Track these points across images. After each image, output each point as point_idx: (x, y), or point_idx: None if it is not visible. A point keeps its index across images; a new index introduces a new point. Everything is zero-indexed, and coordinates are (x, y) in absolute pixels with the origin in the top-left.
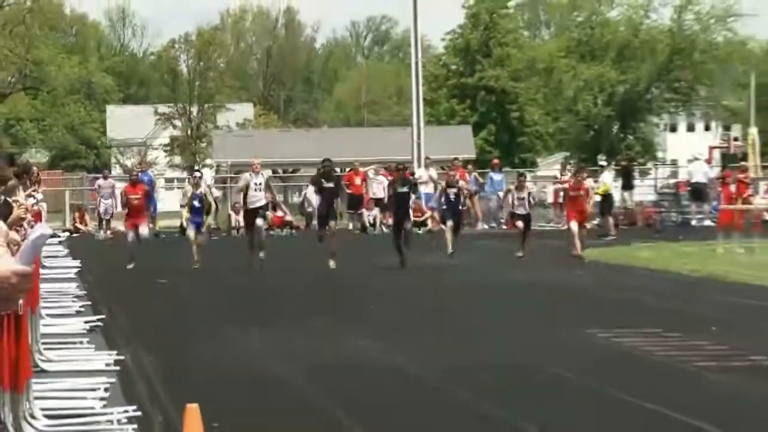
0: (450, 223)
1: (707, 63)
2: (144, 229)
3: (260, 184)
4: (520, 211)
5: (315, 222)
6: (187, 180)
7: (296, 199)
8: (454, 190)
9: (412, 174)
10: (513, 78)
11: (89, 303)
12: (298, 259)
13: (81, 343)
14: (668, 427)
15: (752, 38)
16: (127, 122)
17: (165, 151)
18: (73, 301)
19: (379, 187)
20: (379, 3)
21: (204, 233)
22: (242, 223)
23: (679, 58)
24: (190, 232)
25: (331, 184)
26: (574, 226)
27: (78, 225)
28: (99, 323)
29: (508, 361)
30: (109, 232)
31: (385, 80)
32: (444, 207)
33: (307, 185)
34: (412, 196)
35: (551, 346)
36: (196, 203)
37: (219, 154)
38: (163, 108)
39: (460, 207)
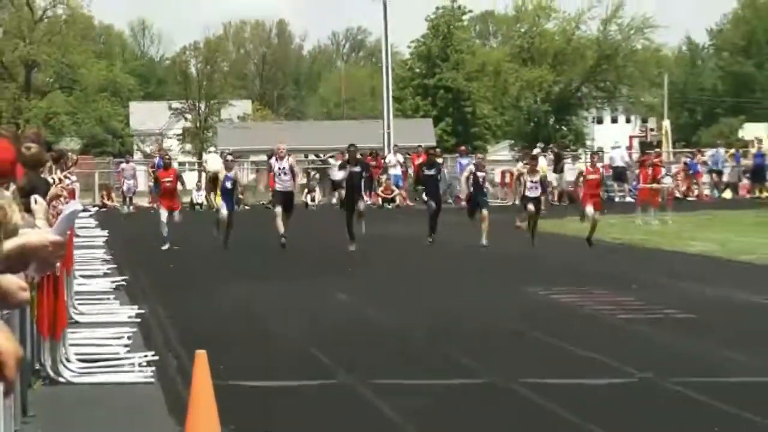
0: (485, 211)
1: (628, 66)
2: (178, 215)
3: (284, 168)
4: (533, 194)
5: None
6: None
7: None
8: (482, 174)
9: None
10: (467, 79)
11: (115, 266)
12: (304, 233)
13: (108, 299)
14: (596, 368)
15: (665, 45)
16: (146, 116)
17: (178, 139)
18: (101, 264)
19: (334, 171)
20: (355, 16)
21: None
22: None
23: (604, 63)
24: (223, 210)
25: (356, 168)
26: (590, 210)
27: (105, 201)
28: (123, 283)
29: (465, 315)
30: (132, 207)
31: (360, 81)
32: (472, 190)
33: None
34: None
35: (501, 303)
36: (228, 185)
37: (222, 143)
38: (176, 104)
39: (485, 190)
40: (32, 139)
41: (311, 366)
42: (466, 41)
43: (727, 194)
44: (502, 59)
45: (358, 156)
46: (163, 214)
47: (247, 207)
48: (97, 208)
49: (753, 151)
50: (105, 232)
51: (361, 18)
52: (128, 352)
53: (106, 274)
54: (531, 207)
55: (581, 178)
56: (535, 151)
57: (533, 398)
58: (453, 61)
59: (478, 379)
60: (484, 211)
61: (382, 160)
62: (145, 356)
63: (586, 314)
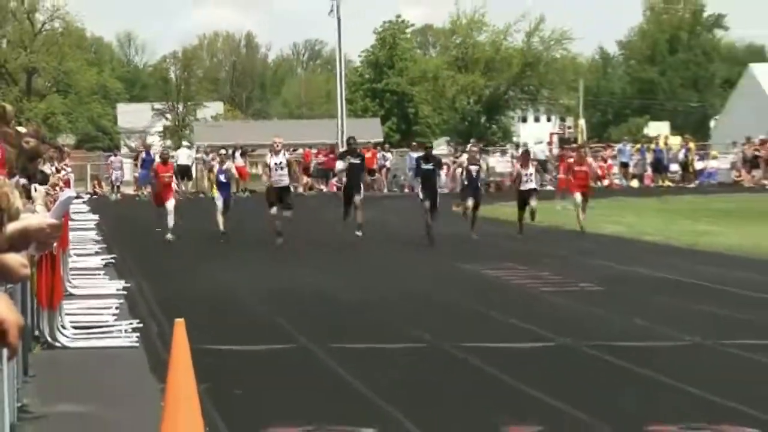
0: (471, 201)
1: (549, 73)
2: (171, 203)
3: (281, 163)
4: (528, 186)
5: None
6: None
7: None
8: (476, 167)
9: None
10: (409, 84)
11: (104, 245)
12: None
13: (98, 274)
14: (520, 334)
15: (580, 55)
16: (132, 115)
17: (160, 136)
18: (93, 244)
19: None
20: (313, 29)
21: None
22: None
23: (528, 70)
24: (219, 203)
25: (356, 160)
26: (578, 197)
27: (96, 189)
28: (111, 260)
29: (410, 289)
30: (119, 194)
31: (317, 86)
32: (465, 183)
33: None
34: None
35: (441, 278)
36: (222, 178)
37: (198, 139)
38: (157, 105)
39: (479, 184)
40: (32, 135)
41: (277, 333)
42: (409, 51)
43: (634, 183)
44: (440, 66)
45: (358, 149)
46: (170, 203)
47: (246, 194)
48: (89, 196)
49: (652, 146)
50: (96, 216)
51: (318, 31)
52: (116, 320)
53: (96, 253)
54: (470, 202)
55: (570, 171)
56: (469, 146)
57: (469, 359)
58: (398, 68)
59: (421, 344)
60: (471, 202)
61: (335, 156)
62: (131, 324)
63: (512, 287)
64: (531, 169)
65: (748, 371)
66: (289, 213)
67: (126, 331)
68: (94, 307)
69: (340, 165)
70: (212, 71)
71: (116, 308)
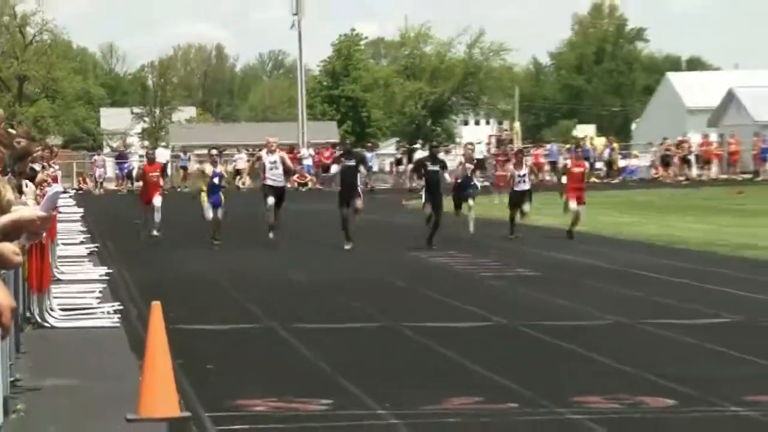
0: (471, 202)
1: (488, 81)
2: (158, 200)
3: (275, 162)
4: (521, 187)
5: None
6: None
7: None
8: (471, 166)
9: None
10: (363, 90)
11: (89, 236)
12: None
13: (83, 261)
14: (463, 314)
15: (516, 64)
16: (113, 119)
17: (139, 137)
18: (78, 234)
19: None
20: (277, 42)
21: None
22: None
23: (470, 78)
24: (209, 213)
25: (351, 162)
26: (573, 205)
27: (81, 185)
28: (95, 249)
29: (364, 274)
30: (102, 189)
31: (281, 92)
32: (459, 182)
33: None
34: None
35: (392, 264)
36: (215, 180)
37: (173, 140)
38: (137, 109)
39: (473, 182)
40: (23, 135)
41: (244, 314)
42: (363, 61)
43: (564, 180)
44: (390, 75)
45: (354, 149)
46: (158, 200)
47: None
48: (74, 191)
49: (580, 146)
50: (81, 210)
51: (281, 43)
52: (99, 303)
53: (81, 242)
54: (527, 207)
55: (565, 171)
56: (416, 146)
57: (416, 337)
58: (352, 77)
59: (374, 323)
60: (471, 202)
61: (298, 153)
62: (112, 306)
63: (455, 273)
64: (524, 170)
65: (665, 348)
66: (279, 210)
67: (108, 312)
68: (80, 291)
69: (333, 169)
70: (186, 79)
71: (99, 292)
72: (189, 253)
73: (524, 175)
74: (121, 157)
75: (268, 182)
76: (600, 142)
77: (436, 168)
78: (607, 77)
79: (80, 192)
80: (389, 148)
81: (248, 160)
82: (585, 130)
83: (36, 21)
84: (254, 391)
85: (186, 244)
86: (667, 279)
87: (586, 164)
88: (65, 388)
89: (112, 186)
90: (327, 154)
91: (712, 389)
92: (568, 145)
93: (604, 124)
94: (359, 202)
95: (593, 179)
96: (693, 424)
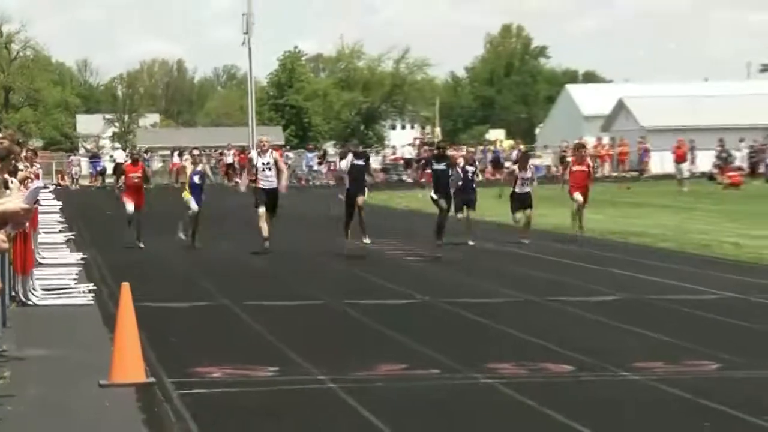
0: (471, 212)
1: (412, 91)
2: (141, 210)
3: (268, 163)
4: (522, 190)
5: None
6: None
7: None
8: (473, 168)
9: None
10: (305, 99)
11: (66, 225)
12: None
13: (62, 247)
14: (391, 293)
15: (437, 77)
16: (88, 124)
17: (110, 140)
18: (57, 224)
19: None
20: (230, 57)
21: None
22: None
23: (397, 89)
24: (194, 206)
25: (360, 161)
26: (578, 196)
27: (59, 181)
28: (72, 236)
29: (308, 259)
30: (77, 185)
31: (233, 101)
32: (460, 184)
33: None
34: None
35: (330, 251)
36: (196, 179)
37: (140, 142)
38: (108, 116)
39: (475, 186)
40: (8, 138)
41: (203, 293)
42: (304, 74)
43: (478, 177)
44: (328, 86)
45: (361, 148)
46: (129, 206)
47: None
48: (54, 186)
49: (492, 148)
50: (59, 203)
51: (233, 58)
52: (76, 283)
53: (60, 231)
54: (528, 212)
55: (567, 171)
56: (465, 147)
57: (351, 312)
58: (295, 88)
59: (316, 301)
60: (471, 213)
61: (248, 154)
62: (87, 286)
63: (385, 257)
64: (528, 173)
65: (567, 321)
66: (272, 215)
67: (83, 292)
68: (58, 273)
69: (342, 164)
70: (151, 89)
71: (76, 274)
72: (156, 241)
73: (528, 178)
74: (94, 157)
75: (262, 184)
76: (508, 144)
77: (442, 166)
78: (514, 88)
79: (59, 188)
80: (329, 148)
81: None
82: (496, 134)
83: (20, 38)
84: (210, 360)
85: (153, 233)
86: (570, 263)
87: (590, 163)
88: (46, 357)
89: (86, 182)
90: (276, 154)
91: (605, 357)
92: (481, 147)
93: (512, 128)
94: (361, 200)
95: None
96: (589, 387)
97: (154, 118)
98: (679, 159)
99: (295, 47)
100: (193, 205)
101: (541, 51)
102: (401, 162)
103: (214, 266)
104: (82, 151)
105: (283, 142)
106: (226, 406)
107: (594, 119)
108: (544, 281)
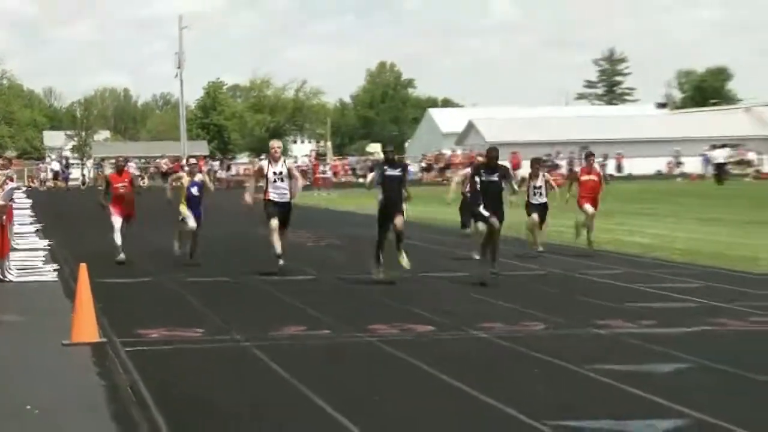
0: (481, 226)
1: (309, 114)
2: (132, 224)
3: (281, 173)
4: (536, 200)
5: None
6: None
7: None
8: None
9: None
10: (225, 119)
11: (36, 218)
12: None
13: (33, 235)
14: (296, 270)
15: (328, 102)
16: (52, 139)
17: (70, 151)
18: (29, 218)
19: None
20: (166, 86)
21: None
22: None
23: (297, 111)
24: (191, 222)
25: (396, 172)
26: (589, 208)
27: (30, 184)
28: (40, 227)
29: (231, 246)
30: (45, 187)
31: (168, 120)
32: (470, 197)
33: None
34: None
35: (252, 239)
36: (194, 191)
37: (95, 153)
38: (69, 132)
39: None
40: None
41: (147, 273)
42: (224, 100)
43: (360, 180)
44: (244, 109)
45: (397, 157)
46: (117, 222)
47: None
48: (26, 188)
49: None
50: (30, 200)
51: (169, 87)
52: (44, 264)
53: (31, 223)
54: (536, 216)
55: (575, 181)
56: (476, 154)
57: (263, 287)
58: (218, 110)
59: (234, 278)
60: (480, 226)
61: (181, 162)
62: (53, 267)
63: (293, 242)
64: (540, 182)
65: (433, 291)
66: (284, 230)
67: (50, 271)
68: (30, 257)
69: (369, 178)
70: (103, 111)
71: (44, 257)
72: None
73: (540, 187)
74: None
75: (272, 197)
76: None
77: (494, 178)
78: (389, 111)
79: (30, 189)
80: (243, 159)
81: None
82: (374, 147)
83: None
84: (150, 324)
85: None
86: (437, 248)
87: (600, 172)
88: (19, 322)
89: (51, 184)
90: (201, 162)
91: (459, 319)
92: (363, 157)
93: (387, 142)
94: (399, 221)
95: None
96: (446, 343)
97: (106, 134)
98: (515, 167)
99: (218, 78)
100: (191, 222)
101: (409, 82)
102: (301, 168)
103: (157, 253)
104: (47, 159)
105: (207, 153)
106: (163, 360)
107: (450, 136)
108: (419, 261)
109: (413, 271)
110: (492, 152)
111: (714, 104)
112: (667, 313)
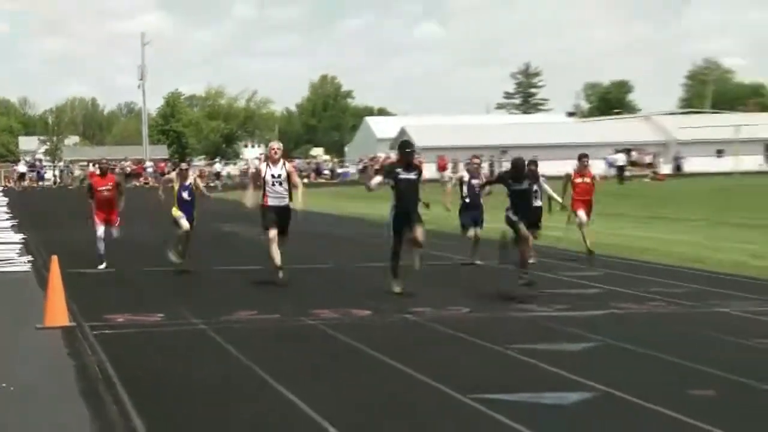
0: (479, 230)
1: (259, 121)
2: (116, 230)
3: (279, 176)
4: (534, 203)
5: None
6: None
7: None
8: (478, 182)
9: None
10: (183, 126)
11: (11, 214)
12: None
13: (8, 230)
14: (254, 262)
15: (277, 111)
16: (27, 143)
17: (43, 154)
18: (5, 214)
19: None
20: (130, 95)
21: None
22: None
23: (248, 119)
24: (184, 223)
25: (412, 175)
26: (582, 216)
27: (6, 184)
28: (15, 222)
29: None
30: (21, 188)
31: (132, 127)
32: (466, 201)
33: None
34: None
35: (220, 234)
36: (185, 195)
37: (66, 156)
38: (42, 137)
39: (481, 201)
40: None
41: (113, 263)
42: (183, 108)
43: (305, 180)
44: (200, 117)
45: (413, 160)
46: (99, 230)
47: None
48: (2, 188)
49: (316, 160)
50: (6, 199)
51: (132, 97)
52: (19, 256)
53: (7, 219)
54: (471, 231)
55: (569, 184)
56: (471, 157)
57: (216, 276)
58: (177, 118)
59: (191, 269)
60: (478, 230)
61: (143, 164)
62: (27, 259)
63: (240, 238)
64: (535, 186)
65: (368, 279)
66: (284, 238)
67: (24, 262)
68: (5, 249)
69: (373, 182)
70: (73, 118)
71: (19, 249)
72: (80, 225)
73: (536, 191)
74: (31, 167)
75: (271, 201)
76: (326, 158)
77: (525, 186)
78: (330, 119)
79: (5, 188)
80: (199, 162)
81: (135, 168)
82: (317, 151)
83: None
84: (116, 310)
85: (81, 219)
86: (371, 240)
87: (594, 174)
88: None
89: (26, 184)
90: (162, 165)
91: (394, 305)
92: (308, 160)
93: (329, 147)
94: (420, 231)
95: (321, 180)
96: (381, 325)
97: (75, 139)
98: (441, 169)
99: (176, 89)
100: (184, 223)
101: (348, 93)
102: (250, 171)
103: (124, 245)
104: (22, 162)
105: (167, 157)
106: (127, 342)
107: (384, 141)
108: (353, 251)
109: (348, 262)
110: (518, 162)
111: (617, 113)
112: (577, 299)
